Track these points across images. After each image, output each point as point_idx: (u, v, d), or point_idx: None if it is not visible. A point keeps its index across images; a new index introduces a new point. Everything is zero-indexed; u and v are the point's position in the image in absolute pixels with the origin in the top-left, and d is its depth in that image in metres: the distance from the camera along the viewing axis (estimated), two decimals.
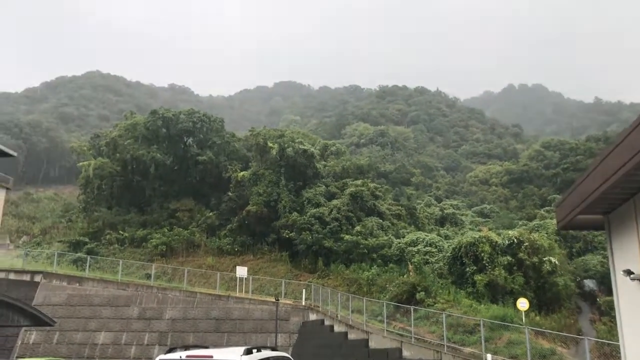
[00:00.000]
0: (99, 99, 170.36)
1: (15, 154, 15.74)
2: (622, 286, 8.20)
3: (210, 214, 55.29)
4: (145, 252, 49.54)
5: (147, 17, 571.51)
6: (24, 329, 33.83)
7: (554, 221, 50.28)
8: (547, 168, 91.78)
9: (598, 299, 39.79)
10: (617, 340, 8.77)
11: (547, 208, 64.77)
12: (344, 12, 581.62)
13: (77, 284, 38.91)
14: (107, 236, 52.08)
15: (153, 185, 59.27)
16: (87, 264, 41.69)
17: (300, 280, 42.36)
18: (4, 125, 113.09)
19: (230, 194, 55.79)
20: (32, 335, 35.10)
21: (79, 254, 46.24)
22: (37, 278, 38.92)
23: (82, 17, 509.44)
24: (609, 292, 38.27)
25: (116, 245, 50.85)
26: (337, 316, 33.51)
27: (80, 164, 62.80)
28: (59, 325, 32.00)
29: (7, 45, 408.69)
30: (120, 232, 52.70)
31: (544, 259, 35.67)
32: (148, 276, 41.78)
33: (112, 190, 60.10)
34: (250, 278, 40.41)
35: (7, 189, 14.30)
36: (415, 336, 27.19)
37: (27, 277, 39.01)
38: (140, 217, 56.70)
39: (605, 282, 41.20)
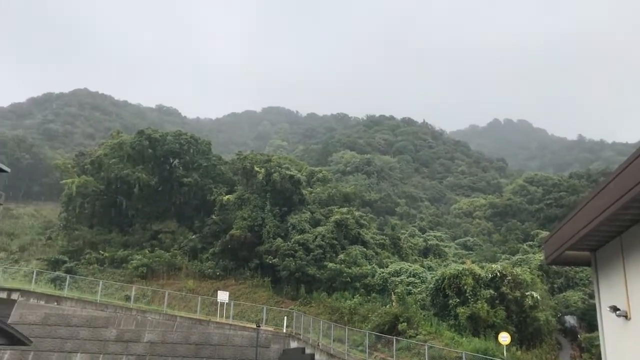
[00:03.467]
0: (85, 117, 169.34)
1: (8, 169, 15.55)
2: (607, 322, 8.28)
3: (193, 236, 54.83)
4: (125, 273, 48.89)
5: (138, 38, 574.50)
6: None
7: (537, 256, 50.84)
8: (530, 203, 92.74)
9: (579, 336, 39.94)
10: None
11: (530, 243, 65.27)
12: (334, 41, 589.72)
13: (55, 303, 38.16)
14: (87, 255, 51.37)
15: (136, 206, 58.77)
16: (66, 283, 41.01)
17: (282, 307, 41.97)
18: None
19: (214, 217, 55.47)
20: (6, 355, 34.23)
21: (57, 273, 45.50)
22: (14, 296, 38.11)
23: (72, 34, 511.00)
24: (590, 328, 38.42)
25: (96, 265, 50.14)
26: (318, 345, 33.19)
27: (64, 181, 62.20)
28: (34, 345, 31.21)
29: None
30: (100, 252, 52.02)
31: (526, 293, 35.78)
32: (127, 298, 41.17)
33: (94, 209, 59.48)
34: (232, 303, 39.98)
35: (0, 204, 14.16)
36: None
37: (3, 295, 38.16)
38: (121, 237, 56.09)
39: (586, 319, 41.39)
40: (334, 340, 32.41)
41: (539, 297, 36.31)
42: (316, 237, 48.66)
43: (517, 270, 39.46)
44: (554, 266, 46.15)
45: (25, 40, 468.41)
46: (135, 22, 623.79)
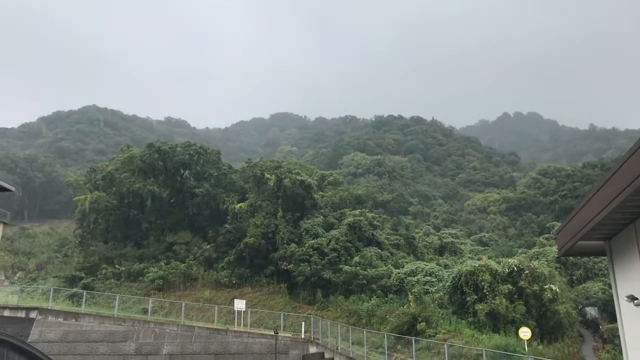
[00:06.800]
0: (95, 133, 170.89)
1: (13, 189, 15.58)
2: (625, 312, 8.06)
3: (208, 246, 54.85)
4: (142, 286, 48.97)
5: (143, 52, 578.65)
6: None
7: (554, 248, 50.28)
8: (544, 195, 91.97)
9: (601, 327, 39.43)
10: None
11: (546, 235, 64.64)
12: (338, 43, 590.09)
13: (73, 320, 38.34)
14: (103, 271, 51.53)
15: (149, 219, 58.93)
16: (83, 299, 41.17)
17: (299, 313, 41.86)
18: (0, 161, 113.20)
19: (227, 226, 55.48)
20: None
21: (74, 289, 45.72)
22: (33, 314, 38.35)
23: (79, 51, 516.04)
24: (612, 319, 37.92)
25: (112, 280, 50.28)
26: (337, 348, 33.01)
27: (76, 198, 62.55)
28: None
29: (3, 80, 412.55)
30: (116, 266, 52.16)
31: (545, 287, 35.38)
32: (145, 311, 41.25)
33: (108, 224, 59.72)
34: (249, 311, 39.93)
35: (4, 223, 14.14)
36: None
37: (22, 314, 38.44)
38: (136, 251, 56.21)
39: (607, 310, 40.87)
40: (352, 344, 32.20)
41: (558, 290, 35.89)
42: (330, 241, 48.50)
43: (535, 263, 39.07)
44: (571, 258, 45.65)
45: (32, 60, 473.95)
46: (140, 35, 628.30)
